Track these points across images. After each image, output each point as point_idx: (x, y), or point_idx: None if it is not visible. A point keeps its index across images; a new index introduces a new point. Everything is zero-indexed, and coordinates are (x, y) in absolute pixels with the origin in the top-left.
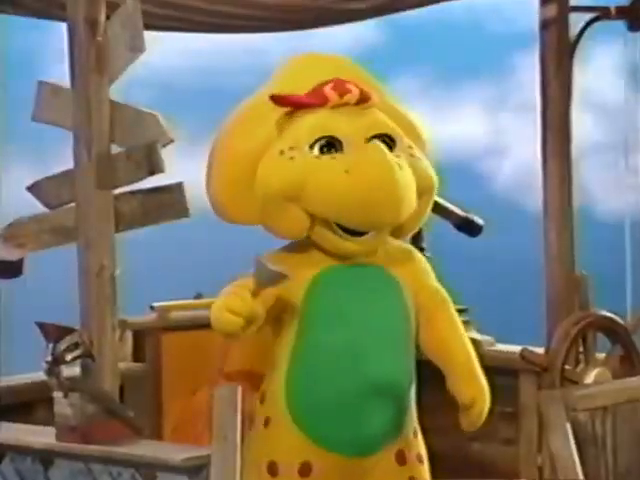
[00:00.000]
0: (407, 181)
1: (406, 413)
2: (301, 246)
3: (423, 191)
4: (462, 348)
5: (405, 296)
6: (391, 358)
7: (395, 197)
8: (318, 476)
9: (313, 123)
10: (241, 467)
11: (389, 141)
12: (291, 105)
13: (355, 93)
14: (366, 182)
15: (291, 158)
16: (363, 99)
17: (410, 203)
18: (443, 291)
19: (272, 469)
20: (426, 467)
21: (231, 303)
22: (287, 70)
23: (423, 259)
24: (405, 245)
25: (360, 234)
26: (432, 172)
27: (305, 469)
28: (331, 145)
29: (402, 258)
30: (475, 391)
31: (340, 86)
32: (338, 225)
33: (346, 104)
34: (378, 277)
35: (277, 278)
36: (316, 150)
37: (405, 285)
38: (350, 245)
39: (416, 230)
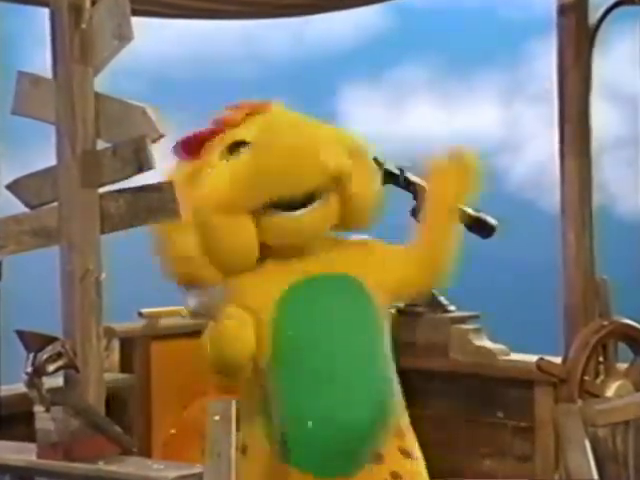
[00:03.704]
0: (311, 135)
1: (389, 427)
2: (265, 264)
3: (350, 152)
4: None
5: (374, 302)
6: (361, 384)
7: (303, 148)
8: None
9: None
10: None
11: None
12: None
13: (232, 115)
14: (269, 148)
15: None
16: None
17: (328, 155)
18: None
19: None
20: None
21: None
22: None
23: (380, 246)
24: (360, 238)
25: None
26: (348, 134)
27: None
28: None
29: (360, 255)
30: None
31: (219, 119)
32: (273, 206)
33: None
34: (344, 288)
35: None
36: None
37: (371, 287)
38: (295, 223)
39: (366, 221)
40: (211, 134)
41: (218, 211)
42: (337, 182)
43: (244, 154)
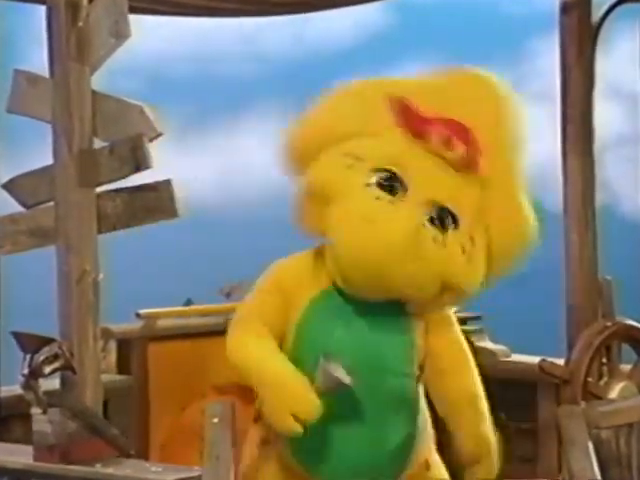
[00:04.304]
0: (427, 255)
1: (412, 444)
2: (310, 260)
3: (446, 286)
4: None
5: (413, 329)
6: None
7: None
8: None
9: (389, 150)
10: None
11: (447, 216)
12: (401, 117)
13: (457, 153)
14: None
15: (348, 167)
16: (464, 164)
17: (418, 282)
18: (463, 342)
19: None
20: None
21: (297, 408)
22: (428, 79)
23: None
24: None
25: None
26: (474, 274)
27: None
28: (393, 182)
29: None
30: (482, 449)
31: (447, 135)
32: None
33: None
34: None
35: (342, 387)
36: (374, 179)
37: (416, 319)
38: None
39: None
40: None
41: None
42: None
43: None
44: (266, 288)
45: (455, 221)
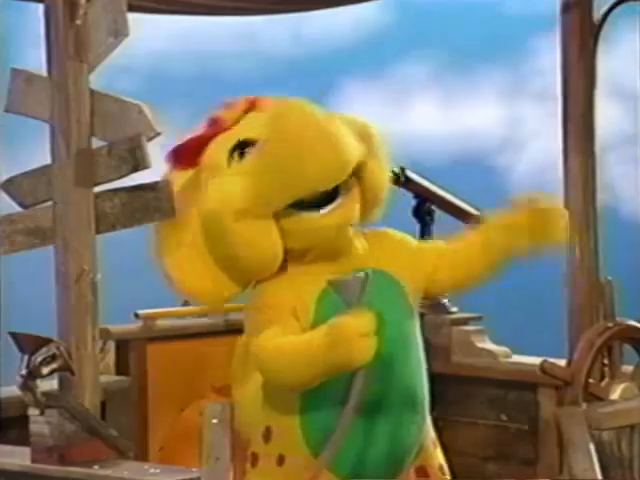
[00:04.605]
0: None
1: (425, 424)
2: (290, 267)
3: (361, 138)
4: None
5: (410, 299)
6: (410, 371)
7: (323, 143)
8: None
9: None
10: None
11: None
12: (191, 147)
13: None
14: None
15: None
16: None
17: (346, 144)
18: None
19: None
20: (448, 477)
21: (359, 326)
22: None
23: (411, 239)
24: (377, 230)
25: (323, 205)
26: (358, 118)
27: None
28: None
29: (394, 250)
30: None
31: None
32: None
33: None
34: (382, 286)
35: (366, 283)
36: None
37: (406, 283)
38: (320, 222)
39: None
40: (207, 138)
41: (237, 217)
42: (357, 173)
43: (255, 154)
44: (275, 315)
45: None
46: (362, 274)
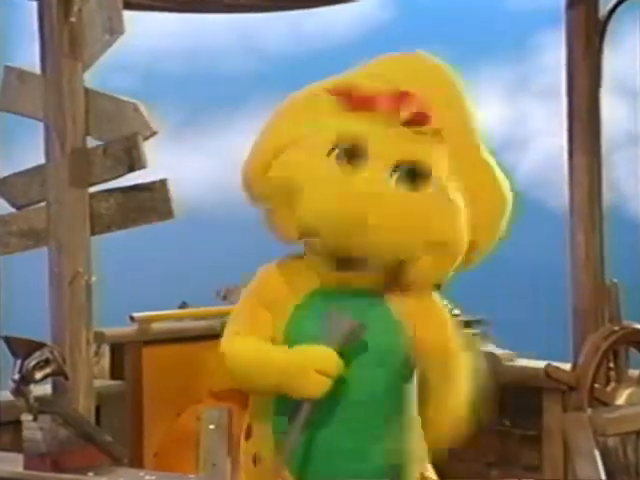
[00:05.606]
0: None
1: (402, 446)
2: (292, 267)
3: (429, 244)
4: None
5: (402, 328)
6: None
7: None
8: None
9: (345, 129)
10: None
11: (419, 171)
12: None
13: (408, 109)
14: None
15: (308, 153)
16: (417, 119)
17: (390, 237)
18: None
19: None
20: None
21: (319, 362)
22: (365, 66)
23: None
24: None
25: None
26: (456, 227)
27: None
28: (353, 154)
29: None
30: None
31: (393, 99)
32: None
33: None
34: (368, 306)
35: (355, 333)
36: (334, 154)
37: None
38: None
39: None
40: (383, 102)
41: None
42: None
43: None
44: (253, 302)
45: (427, 178)
46: (359, 323)
